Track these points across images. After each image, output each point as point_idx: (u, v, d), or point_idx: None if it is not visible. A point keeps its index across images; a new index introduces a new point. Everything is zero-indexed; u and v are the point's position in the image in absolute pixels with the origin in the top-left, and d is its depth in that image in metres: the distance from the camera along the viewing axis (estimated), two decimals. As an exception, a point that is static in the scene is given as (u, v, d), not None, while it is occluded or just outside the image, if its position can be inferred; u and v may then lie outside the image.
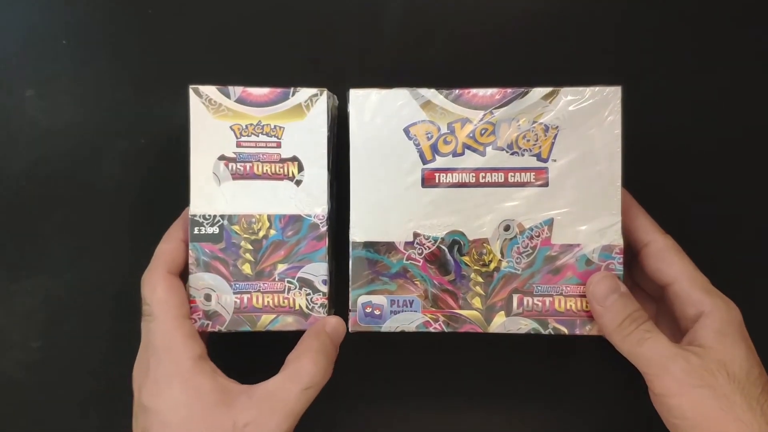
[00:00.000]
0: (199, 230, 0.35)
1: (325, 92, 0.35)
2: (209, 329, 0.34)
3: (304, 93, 0.35)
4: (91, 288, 0.40)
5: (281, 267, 0.35)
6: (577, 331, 0.34)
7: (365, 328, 0.34)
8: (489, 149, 0.34)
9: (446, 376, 0.40)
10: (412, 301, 0.34)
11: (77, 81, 0.40)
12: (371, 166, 0.34)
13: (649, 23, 0.41)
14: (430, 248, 0.34)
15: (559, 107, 0.34)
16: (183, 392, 0.31)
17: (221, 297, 0.35)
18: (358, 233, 0.34)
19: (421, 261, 0.34)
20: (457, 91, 0.34)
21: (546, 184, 0.34)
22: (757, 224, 0.40)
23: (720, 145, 0.40)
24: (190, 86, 0.34)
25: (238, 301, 0.35)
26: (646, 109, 0.39)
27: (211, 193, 0.35)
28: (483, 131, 0.34)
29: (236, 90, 0.35)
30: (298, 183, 0.35)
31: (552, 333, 0.34)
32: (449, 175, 0.34)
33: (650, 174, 0.39)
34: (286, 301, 0.35)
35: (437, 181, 0.34)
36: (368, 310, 0.34)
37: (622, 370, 0.38)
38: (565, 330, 0.34)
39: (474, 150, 0.34)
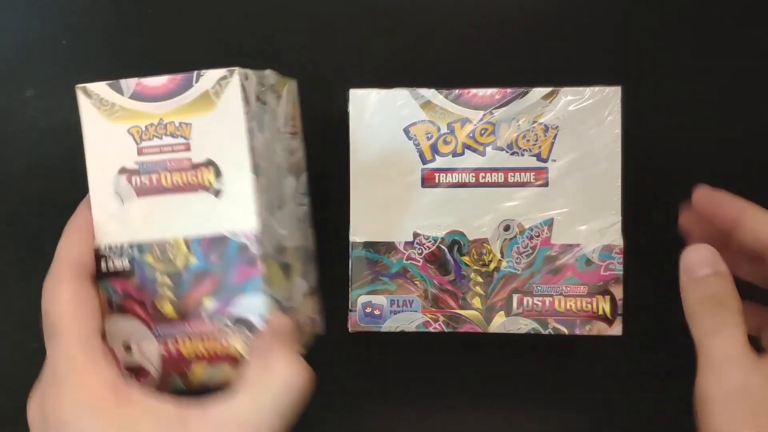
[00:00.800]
0: (107, 265, 0.28)
1: (237, 72, 0.28)
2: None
3: (210, 76, 0.28)
4: (91, 288, 0.40)
5: (209, 303, 0.28)
6: (577, 331, 0.34)
7: (365, 328, 0.34)
8: (489, 149, 0.34)
9: (446, 376, 0.40)
10: (412, 301, 0.34)
11: (77, 81, 0.40)
12: (371, 166, 0.34)
13: (649, 23, 0.41)
14: (430, 248, 0.34)
15: (558, 107, 0.34)
16: None
17: (142, 345, 0.28)
18: (358, 233, 0.34)
19: (421, 261, 0.34)
20: (457, 91, 0.34)
21: (546, 184, 0.34)
22: (757, 224, 0.40)
23: (720, 145, 0.40)
24: (77, 86, 0.29)
25: (163, 349, 0.29)
26: (646, 109, 0.39)
27: (114, 217, 0.28)
28: (483, 131, 0.34)
29: (129, 84, 0.29)
30: (218, 193, 0.28)
31: (552, 333, 0.34)
32: (449, 175, 0.34)
33: (650, 174, 0.39)
34: (220, 346, 0.28)
35: (437, 181, 0.34)
36: (368, 310, 0.34)
37: (622, 370, 0.38)
38: (565, 330, 0.34)
39: (474, 150, 0.34)
